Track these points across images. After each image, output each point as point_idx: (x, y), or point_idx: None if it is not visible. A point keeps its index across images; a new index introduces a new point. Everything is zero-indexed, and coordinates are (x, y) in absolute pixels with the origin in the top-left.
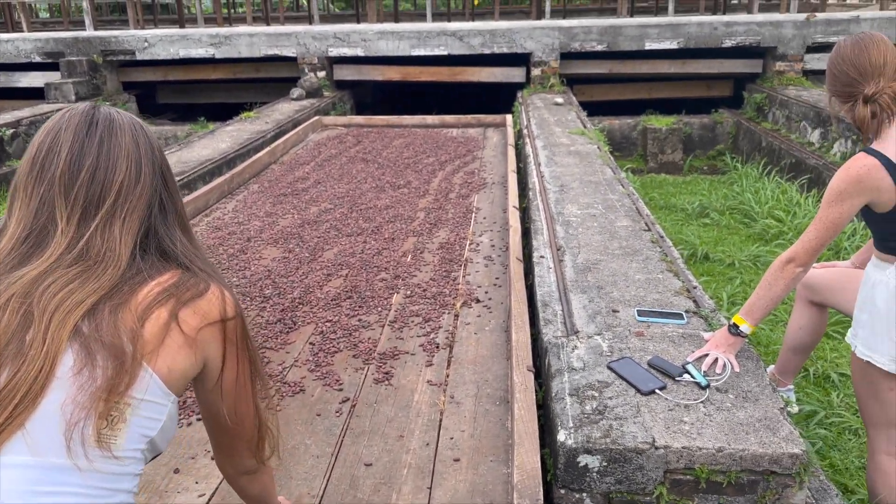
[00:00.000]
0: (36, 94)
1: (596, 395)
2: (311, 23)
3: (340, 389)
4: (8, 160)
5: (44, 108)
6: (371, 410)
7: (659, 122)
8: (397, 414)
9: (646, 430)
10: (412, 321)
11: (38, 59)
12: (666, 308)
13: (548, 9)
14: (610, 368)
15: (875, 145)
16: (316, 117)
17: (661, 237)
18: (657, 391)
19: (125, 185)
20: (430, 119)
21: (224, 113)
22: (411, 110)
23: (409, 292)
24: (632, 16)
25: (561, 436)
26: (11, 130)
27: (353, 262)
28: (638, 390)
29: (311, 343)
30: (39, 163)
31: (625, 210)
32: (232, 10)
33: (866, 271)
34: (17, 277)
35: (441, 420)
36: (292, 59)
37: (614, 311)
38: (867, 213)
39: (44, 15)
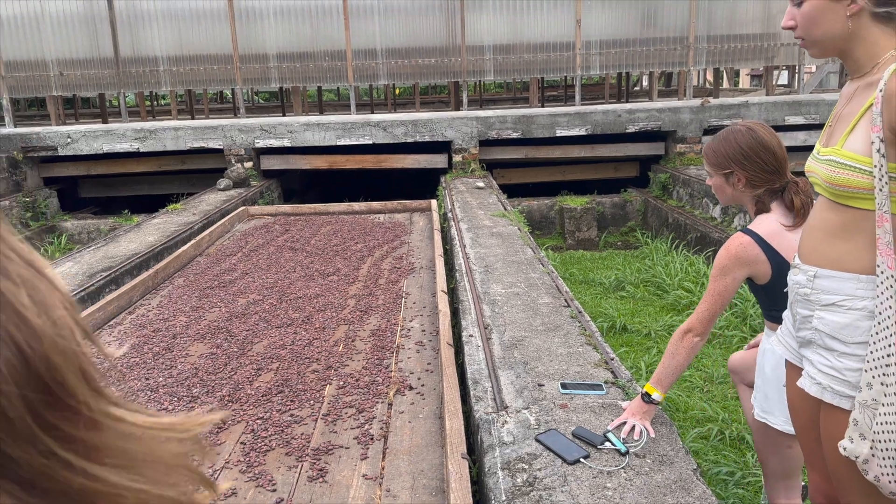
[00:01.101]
0: None
1: (526, 467)
2: (236, 114)
3: (274, 490)
4: None
5: None
6: None
7: (574, 202)
8: None
9: (573, 498)
10: (346, 413)
11: None
12: (587, 380)
13: (465, 100)
14: (538, 441)
15: (751, 226)
16: (242, 207)
17: (580, 312)
18: (582, 460)
19: None
20: (357, 206)
21: (147, 204)
22: (339, 196)
23: (341, 383)
24: (543, 105)
25: None
26: None
27: (284, 354)
28: (564, 460)
29: (241, 443)
30: None
31: (545, 288)
32: (155, 103)
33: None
34: None
35: None
36: (219, 151)
37: (540, 385)
38: (752, 286)
39: None
